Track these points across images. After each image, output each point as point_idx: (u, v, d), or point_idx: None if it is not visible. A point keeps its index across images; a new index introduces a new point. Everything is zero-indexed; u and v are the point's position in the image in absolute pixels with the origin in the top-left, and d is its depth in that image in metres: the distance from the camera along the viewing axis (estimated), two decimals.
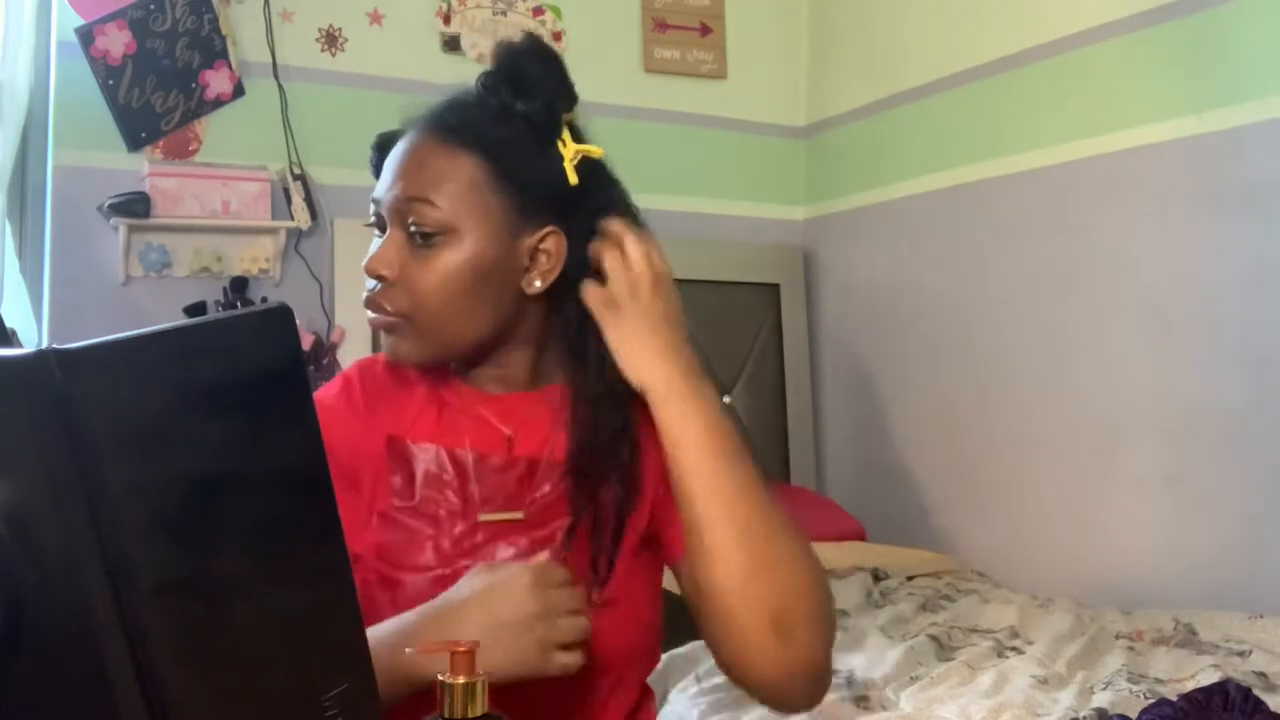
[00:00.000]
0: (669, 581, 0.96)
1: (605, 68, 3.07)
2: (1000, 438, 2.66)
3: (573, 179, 0.94)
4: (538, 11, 3.02)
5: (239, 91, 2.65)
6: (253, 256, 2.66)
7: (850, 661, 1.85)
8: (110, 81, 2.52)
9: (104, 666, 0.46)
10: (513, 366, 0.97)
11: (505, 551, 0.92)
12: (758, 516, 0.88)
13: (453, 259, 0.90)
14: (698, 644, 1.72)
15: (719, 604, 0.88)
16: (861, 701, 1.69)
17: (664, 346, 0.91)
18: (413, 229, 0.90)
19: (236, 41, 2.65)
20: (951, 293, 2.81)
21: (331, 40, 2.78)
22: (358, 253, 0.94)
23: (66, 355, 0.44)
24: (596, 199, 0.96)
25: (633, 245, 0.92)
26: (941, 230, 2.85)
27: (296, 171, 2.68)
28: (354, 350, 2.66)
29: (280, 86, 2.68)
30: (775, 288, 3.22)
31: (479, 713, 0.65)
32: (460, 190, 0.90)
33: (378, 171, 0.97)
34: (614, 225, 0.93)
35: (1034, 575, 2.51)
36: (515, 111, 0.92)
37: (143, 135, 2.56)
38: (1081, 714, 1.54)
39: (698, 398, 0.90)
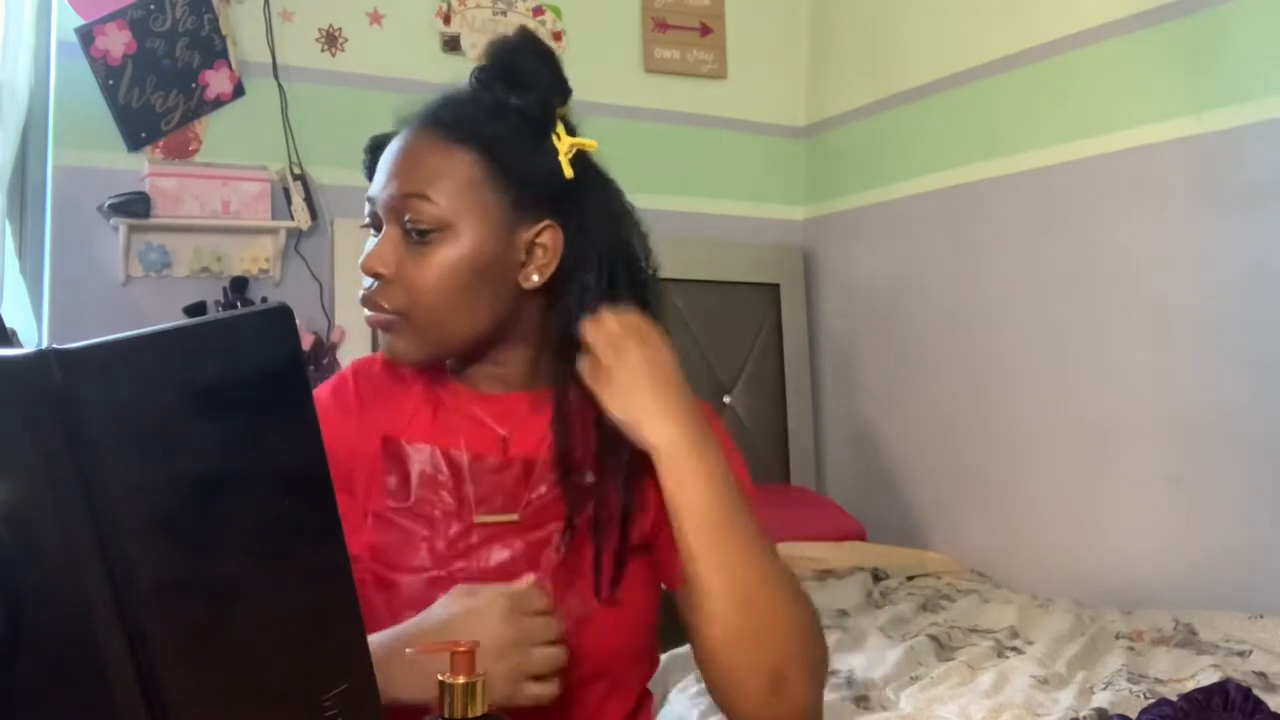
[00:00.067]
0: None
1: (605, 68, 3.08)
2: (1000, 437, 2.66)
3: (568, 173, 0.93)
4: (538, 11, 3.02)
5: (239, 91, 2.65)
6: (253, 256, 2.66)
7: (850, 661, 1.85)
8: (110, 81, 2.52)
9: (104, 666, 0.46)
10: (510, 365, 0.96)
11: (500, 554, 0.91)
12: (757, 582, 0.87)
13: (450, 255, 0.90)
14: None
15: (715, 660, 0.88)
16: (861, 701, 1.69)
17: (659, 404, 0.88)
18: (409, 226, 0.90)
19: (236, 41, 2.65)
20: (951, 293, 2.81)
21: (331, 40, 2.78)
22: (357, 253, 0.94)
23: (66, 355, 0.44)
24: (592, 193, 0.96)
25: (607, 312, 0.91)
26: (941, 230, 2.85)
27: (296, 171, 2.68)
28: (354, 350, 2.66)
29: (280, 86, 2.68)
30: (775, 288, 3.22)
31: (479, 713, 0.65)
32: (456, 186, 0.90)
33: (370, 174, 0.96)
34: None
35: (1034, 575, 2.51)
36: (510, 106, 0.92)
37: (143, 135, 2.56)
38: (1081, 714, 1.54)
39: (699, 461, 0.87)
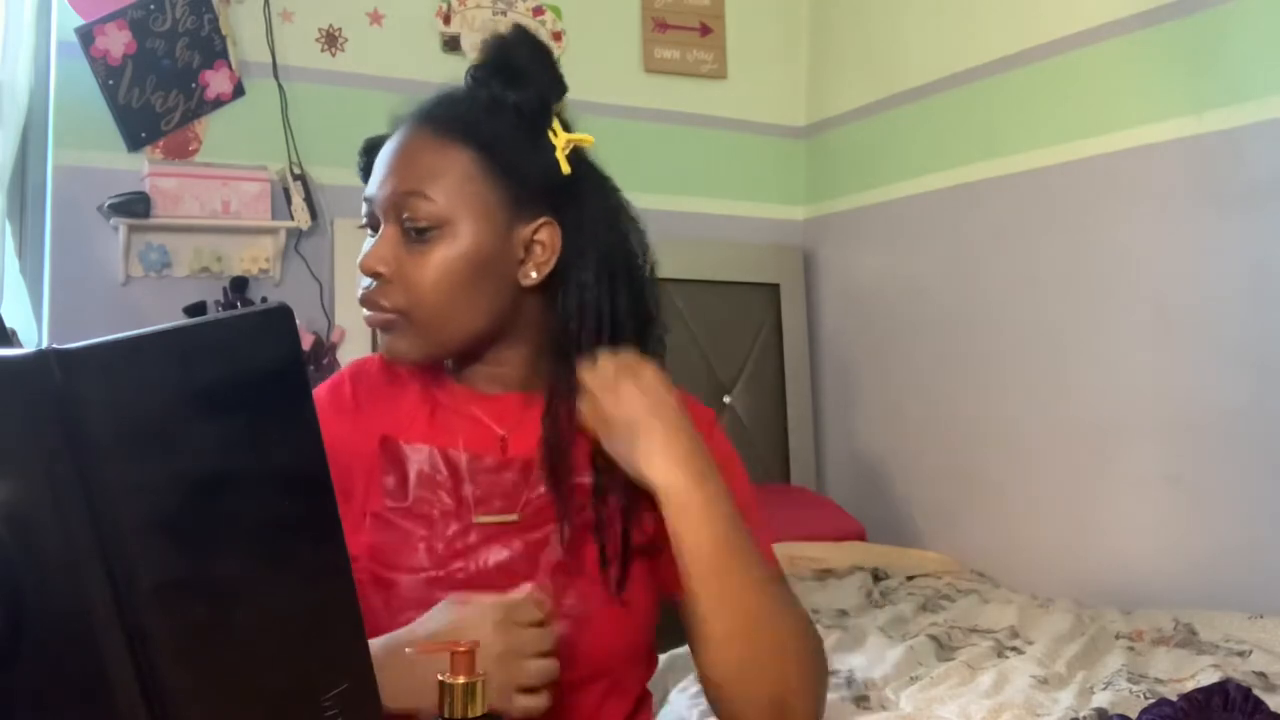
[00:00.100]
0: None
1: (605, 68, 3.07)
2: (1000, 437, 2.66)
3: (565, 168, 0.93)
4: (538, 11, 3.02)
5: (239, 91, 2.65)
6: (253, 256, 2.66)
7: (850, 661, 1.84)
8: (110, 81, 2.52)
9: (104, 666, 0.46)
10: (508, 365, 0.96)
11: (499, 554, 0.91)
12: (758, 615, 0.87)
13: (448, 253, 0.89)
14: None
15: (718, 689, 0.88)
16: (861, 701, 1.69)
17: (659, 445, 0.87)
18: (407, 224, 0.90)
19: (236, 41, 2.65)
20: (951, 293, 2.81)
21: (331, 40, 2.78)
22: (357, 253, 0.94)
23: (66, 355, 0.44)
24: (589, 189, 0.96)
25: (604, 356, 0.91)
26: (941, 230, 2.85)
27: (296, 171, 2.68)
28: (354, 350, 2.66)
29: (280, 86, 2.68)
30: (775, 288, 3.22)
31: (479, 713, 0.65)
32: (454, 183, 0.90)
33: (366, 175, 0.96)
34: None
35: (1034, 575, 2.51)
36: (506, 103, 0.92)
37: (143, 135, 2.56)
38: (1081, 714, 1.54)
39: (702, 500, 0.86)
